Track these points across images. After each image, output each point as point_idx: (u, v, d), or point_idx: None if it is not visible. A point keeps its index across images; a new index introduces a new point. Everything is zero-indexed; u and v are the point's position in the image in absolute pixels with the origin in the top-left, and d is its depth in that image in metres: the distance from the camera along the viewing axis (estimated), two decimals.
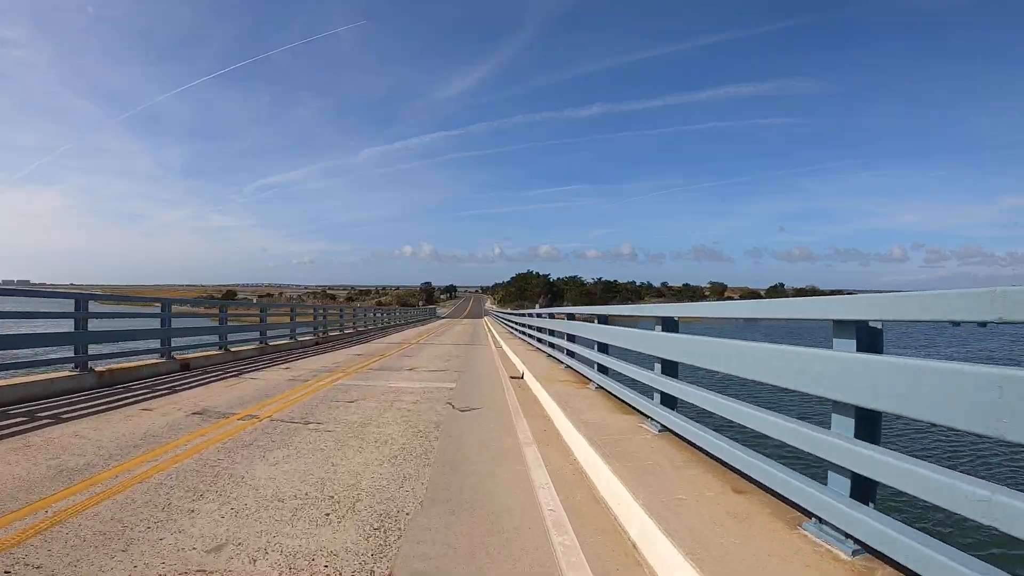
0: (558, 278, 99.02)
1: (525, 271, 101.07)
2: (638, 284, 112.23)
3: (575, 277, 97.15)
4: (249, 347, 10.57)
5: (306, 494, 2.72)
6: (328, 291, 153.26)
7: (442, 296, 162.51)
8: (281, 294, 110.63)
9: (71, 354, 5.85)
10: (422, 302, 70.49)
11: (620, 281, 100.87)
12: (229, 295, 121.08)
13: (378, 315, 28.63)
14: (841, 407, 1.95)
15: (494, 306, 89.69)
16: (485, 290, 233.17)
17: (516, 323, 17.39)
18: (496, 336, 16.90)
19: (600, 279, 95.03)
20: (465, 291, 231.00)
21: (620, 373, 4.85)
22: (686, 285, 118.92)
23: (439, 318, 50.96)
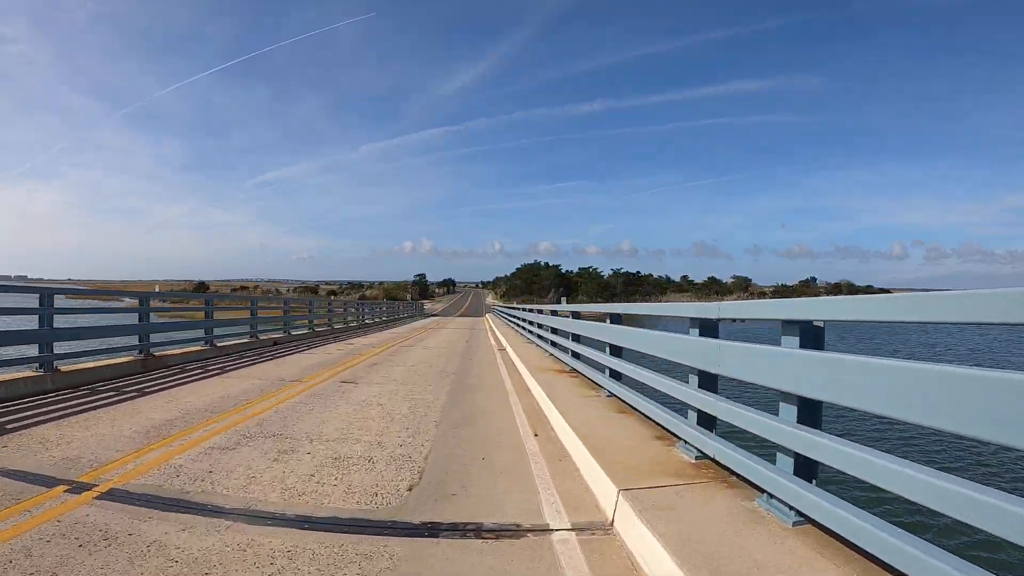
0: (568, 271, 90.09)
1: (532, 262, 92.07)
2: (655, 276, 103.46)
3: (589, 268, 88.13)
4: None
5: None
6: (323, 286, 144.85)
7: (439, 290, 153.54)
8: (256, 287, 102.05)
9: None
10: (410, 296, 61.65)
11: (642, 273, 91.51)
12: (200, 288, 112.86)
13: (334, 309, 19.81)
14: None
15: (496, 301, 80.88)
16: (486, 285, 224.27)
17: (538, 327, 9.15)
18: (530, 380, 7.06)
19: (620, 270, 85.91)
20: (464, 286, 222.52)
21: None
22: (712, 278, 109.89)
23: (428, 316, 42.12)
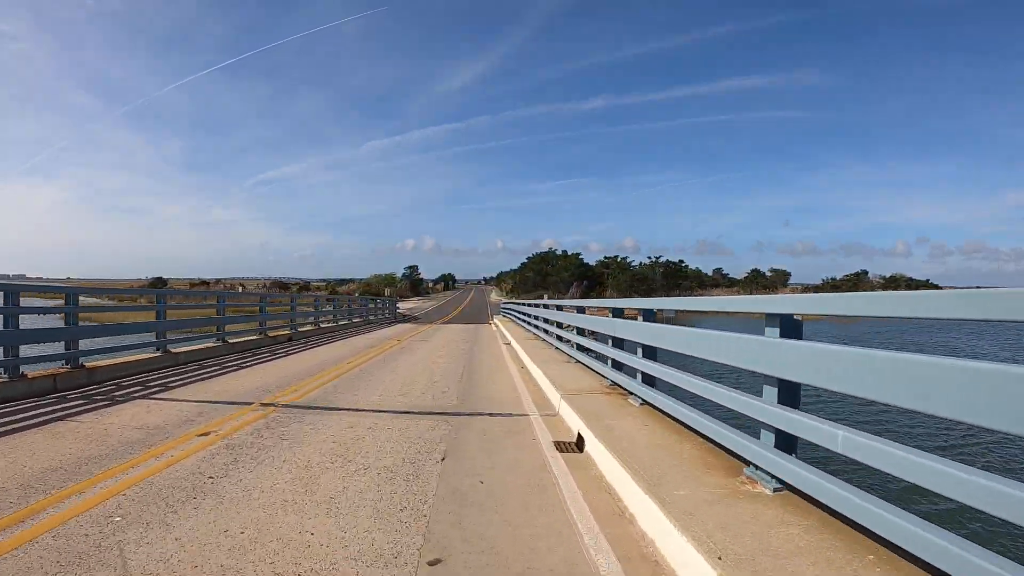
0: (586, 262, 73.89)
1: (546, 251, 75.71)
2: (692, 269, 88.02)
3: (616, 258, 71.86)
4: None
5: None
6: (315, 283, 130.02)
7: (437, 286, 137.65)
8: (219, 282, 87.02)
9: None
10: (389, 292, 45.88)
11: (684, 263, 75.19)
12: (158, 283, 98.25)
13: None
14: None
15: (503, 298, 65.27)
16: (488, 281, 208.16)
17: None
18: None
19: (660, 258, 69.62)
20: (466, 283, 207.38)
21: None
22: (755, 271, 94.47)
23: (396, 323, 26.59)
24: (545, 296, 47.95)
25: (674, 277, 65.57)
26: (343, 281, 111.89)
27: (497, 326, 20.88)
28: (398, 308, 34.36)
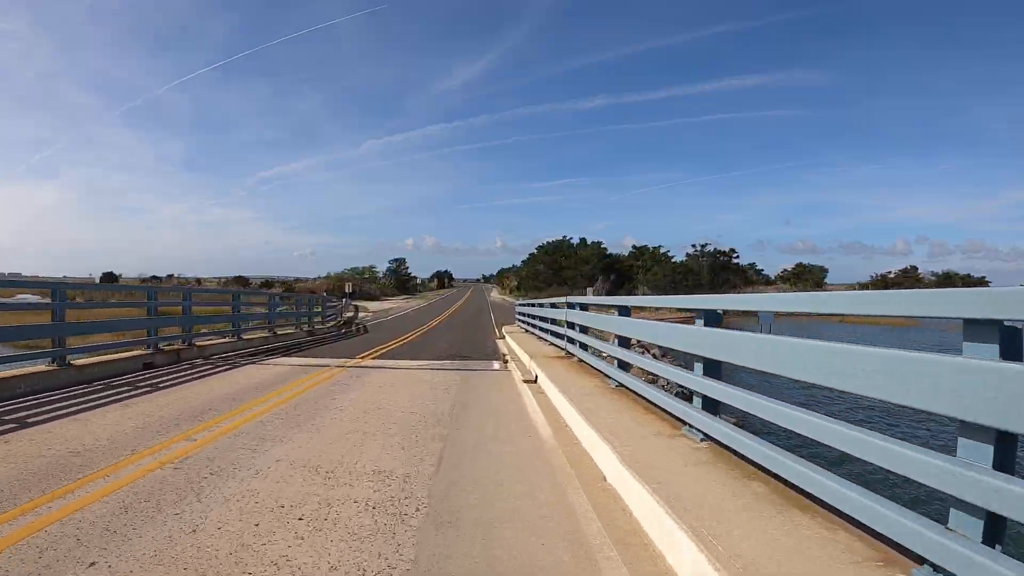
0: (610, 254, 60.83)
1: (559, 239, 62.51)
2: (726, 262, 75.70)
3: (647, 247, 58.83)
4: None
5: None
6: (303, 281, 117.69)
7: (431, 283, 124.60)
8: (172, 277, 74.55)
9: None
10: (350, 287, 32.81)
11: (736, 256, 62.16)
12: (108, 279, 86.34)
13: None
14: None
15: (507, 297, 52.56)
16: (488, 279, 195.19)
17: None
18: None
19: (706, 247, 56.66)
20: (463, 282, 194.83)
21: None
22: (800, 265, 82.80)
23: (324, 340, 12.99)
24: (563, 292, 34.81)
25: (723, 271, 52.80)
26: (301, 280, 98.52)
27: (537, 379, 7.94)
28: (351, 313, 21.41)
